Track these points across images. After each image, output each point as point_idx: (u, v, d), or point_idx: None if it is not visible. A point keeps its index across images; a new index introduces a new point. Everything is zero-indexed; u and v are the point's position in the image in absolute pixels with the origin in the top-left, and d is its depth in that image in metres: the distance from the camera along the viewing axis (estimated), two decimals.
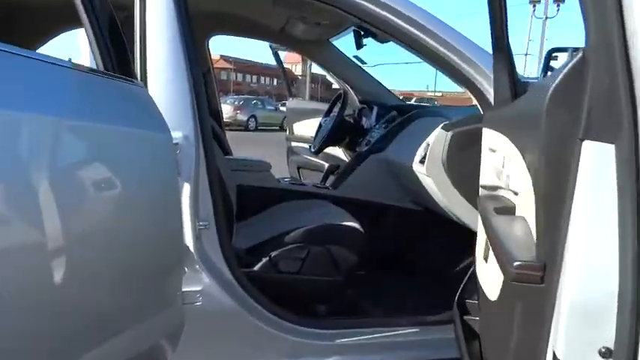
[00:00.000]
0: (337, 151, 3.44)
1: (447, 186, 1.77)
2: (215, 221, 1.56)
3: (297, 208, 2.19)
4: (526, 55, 28.05)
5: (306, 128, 3.78)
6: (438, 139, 1.77)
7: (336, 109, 2.94)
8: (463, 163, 1.73)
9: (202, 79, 1.56)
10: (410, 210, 2.41)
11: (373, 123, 2.69)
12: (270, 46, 3.61)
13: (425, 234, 2.44)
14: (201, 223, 1.52)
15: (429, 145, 1.87)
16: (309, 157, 3.72)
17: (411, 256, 2.47)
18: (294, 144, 3.96)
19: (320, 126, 2.95)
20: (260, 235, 1.86)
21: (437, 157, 1.77)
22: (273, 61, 3.95)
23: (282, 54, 4.04)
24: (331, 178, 2.63)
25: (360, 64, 3.04)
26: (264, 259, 1.77)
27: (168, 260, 1.34)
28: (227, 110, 17.48)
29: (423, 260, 2.44)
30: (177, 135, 1.43)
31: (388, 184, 2.39)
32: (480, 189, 1.44)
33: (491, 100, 1.63)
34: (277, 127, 16.81)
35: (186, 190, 1.45)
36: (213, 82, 3.01)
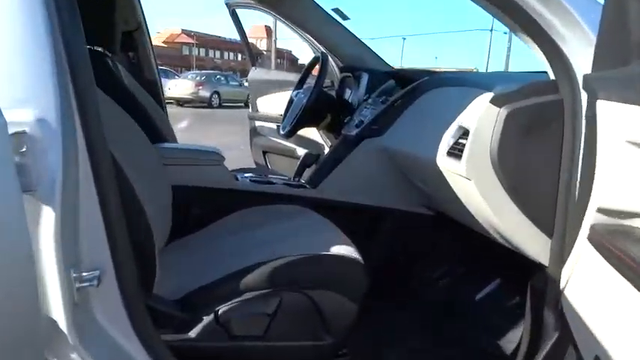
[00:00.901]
0: (314, 134, 2.76)
1: (497, 194, 1.12)
2: (115, 266, 0.89)
3: (260, 219, 1.51)
4: None
5: (274, 104, 3.09)
6: (483, 119, 1.12)
7: (311, 80, 2.25)
8: (527, 159, 1.09)
9: (80, 27, 0.86)
10: (419, 215, 1.77)
11: (362, 96, 2.02)
12: (227, 4, 2.87)
13: (441, 249, 1.81)
14: (85, 275, 0.85)
15: (463, 128, 1.21)
16: (277, 140, 3.03)
17: (422, 282, 1.83)
18: (258, 124, 3.25)
19: (291, 101, 2.25)
20: (201, 274, 1.19)
21: (482, 147, 1.11)
22: (237, 36, 3.22)
23: (246, 28, 3.30)
24: (308, 172, 1.95)
25: (340, 19, 2.34)
26: (207, 318, 1.09)
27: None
28: (188, 86, 16.51)
29: (442, 289, 1.81)
30: (21, 117, 0.75)
31: (388, 179, 1.73)
32: (596, 214, 0.81)
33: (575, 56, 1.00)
34: (242, 104, 15.96)
35: (47, 217, 0.77)
36: (147, 46, 2.25)
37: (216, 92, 16.64)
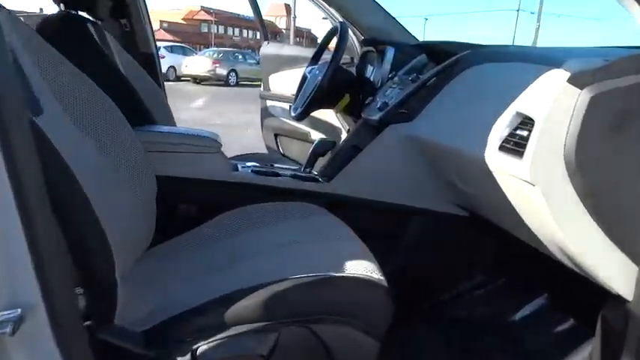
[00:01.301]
0: (332, 117, 2.48)
1: (570, 205, 0.84)
2: (46, 299, 0.65)
3: (260, 220, 1.25)
4: None
5: (287, 82, 2.81)
6: (555, 105, 0.83)
7: (327, 55, 1.95)
8: (616, 161, 0.80)
9: None
10: (452, 217, 1.48)
11: (387, 74, 1.72)
12: None
13: (477, 256, 1.53)
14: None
15: (523, 116, 0.92)
16: (290, 122, 2.76)
17: (453, 295, 1.56)
18: (270, 103, 2.98)
19: (304, 78, 1.96)
20: (177, 297, 0.93)
21: (553, 143, 0.82)
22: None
23: (265, 6, 2.99)
24: (322, 162, 1.68)
25: None
26: (181, 358, 0.84)
27: None
28: (205, 64, 16.24)
29: (475, 304, 1.54)
30: None
31: (417, 174, 1.45)
32: None
33: None
34: (260, 83, 15.63)
35: None
36: (142, 13, 1.98)
37: (234, 70, 16.36)
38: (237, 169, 1.46)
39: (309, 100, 1.76)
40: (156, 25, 44.27)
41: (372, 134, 1.51)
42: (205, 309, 0.89)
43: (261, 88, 3.13)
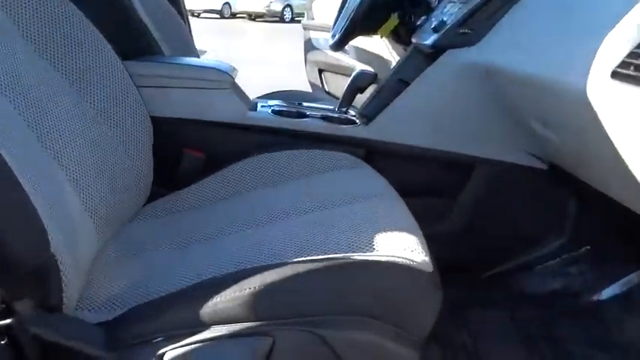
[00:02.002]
0: (382, 48, 2.13)
1: None
2: None
3: (275, 176, 1.00)
4: None
5: (333, 10, 2.46)
6: None
7: None
8: None
9: None
10: (527, 170, 1.17)
11: None
12: None
13: (554, 219, 1.22)
14: None
15: None
16: (335, 55, 2.44)
17: (521, 266, 1.26)
18: (314, 34, 2.66)
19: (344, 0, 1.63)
20: (155, 276, 0.71)
21: None
22: None
23: None
24: (362, 100, 1.37)
25: None
26: None
27: None
28: (260, 0, 15.74)
29: (549, 277, 1.24)
30: None
31: (481, 113, 1.13)
32: None
33: None
34: None
35: None
36: None
37: (289, 5, 15.76)
38: (255, 108, 1.19)
39: (348, 24, 1.44)
40: None
41: (425, 63, 1.18)
42: (180, 298, 0.66)
43: (305, 18, 2.79)
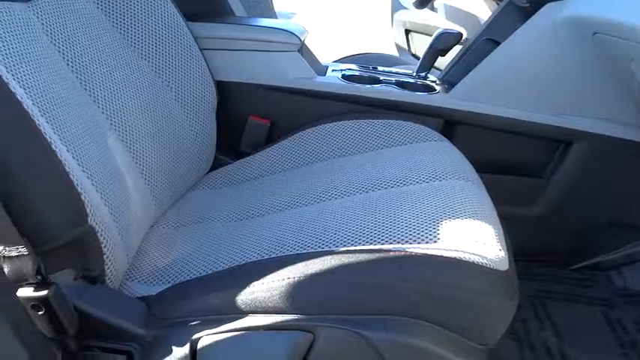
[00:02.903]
0: (478, 7, 1.94)
1: None
2: None
3: (340, 147, 0.92)
4: None
5: None
6: None
7: None
8: None
9: None
10: (632, 145, 0.99)
11: None
12: None
13: None
14: None
15: None
16: (424, 15, 2.28)
17: (617, 260, 1.10)
18: None
19: None
20: (196, 256, 0.67)
21: None
22: None
23: None
24: (444, 64, 1.23)
25: None
26: (178, 349, 0.58)
27: None
28: None
29: None
30: None
31: (582, 79, 0.96)
32: None
33: None
34: None
35: None
36: None
37: None
38: (324, 73, 1.11)
39: None
40: None
41: (519, 20, 1.02)
42: (219, 281, 0.61)
43: None
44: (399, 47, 2.54)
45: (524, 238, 1.04)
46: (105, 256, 0.62)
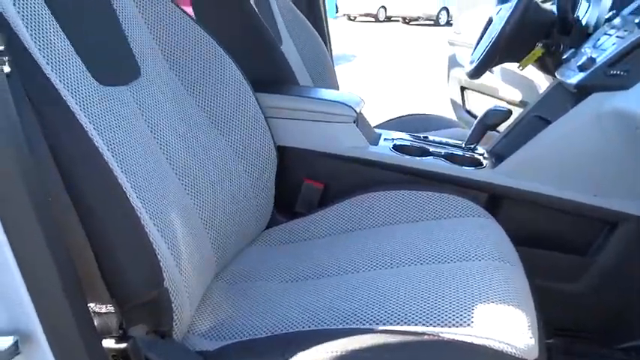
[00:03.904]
0: (530, 70, 1.98)
1: None
2: (45, 328, 0.53)
3: (386, 216, 0.99)
4: None
5: (480, 24, 2.34)
6: None
7: None
8: None
9: None
10: None
11: (604, 14, 1.21)
12: None
13: None
14: None
15: None
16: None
17: None
18: (458, 50, 2.56)
19: (489, 22, 1.54)
20: (251, 317, 0.75)
21: None
22: None
23: None
24: (491, 138, 1.28)
25: None
26: None
27: None
28: (413, 2, 15.55)
29: None
30: None
31: (629, 165, 0.99)
32: None
33: None
34: None
35: None
36: None
37: (445, 8, 15.32)
38: (377, 142, 1.19)
39: (488, 51, 1.36)
40: None
41: (568, 102, 1.07)
42: (274, 345, 0.69)
43: (452, 31, 2.70)
44: (453, 103, 2.61)
45: (567, 314, 1.06)
46: (175, 313, 0.71)
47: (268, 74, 1.25)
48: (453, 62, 2.58)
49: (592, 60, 1.01)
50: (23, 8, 0.64)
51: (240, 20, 1.24)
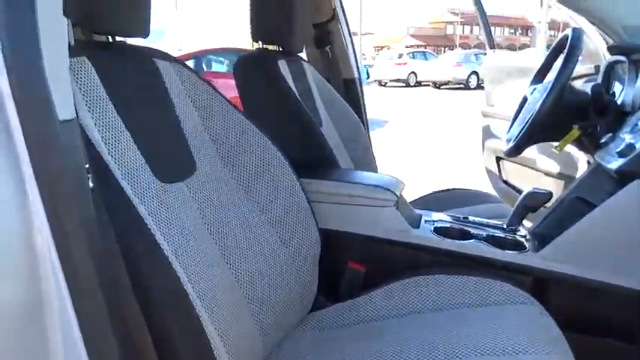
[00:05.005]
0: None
1: None
2: None
3: (429, 301, 0.99)
4: None
5: (513, 98, 2.39)
6: None
7: (557, 68, 1.52)
8: None
9: None
10: None
11: None
12: None
13: None
14: None
15: None
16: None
17: None
18: (493, 122, 2.60)
19: (524, 100, 1.58)
20: None
21: None
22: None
23: None
24: (534, 220, 1.28)
25: None
26: None
27: None
28: (445, 67, 15.93)
29: None
30: None
31: None
32: None
33: None
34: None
35: None
36: (342, 39, 1.88)
37: (475, 72, 15.62)
38: (418, 224, 1.20)
39: (526, 131, 1.38)
40: (403, 32, 46.09)
41: (610, 186, 1.07)
42: None
43: (485, 104, 2.75)
44: (490, 173, 2.62)
45: None
46: None
47: (310, 158, 1.30)
48: (488, 133, 2.61)
49: (631, 146, 1.02)
50: (99, 119, 0.72)
51: (284, 108, 1.32)
